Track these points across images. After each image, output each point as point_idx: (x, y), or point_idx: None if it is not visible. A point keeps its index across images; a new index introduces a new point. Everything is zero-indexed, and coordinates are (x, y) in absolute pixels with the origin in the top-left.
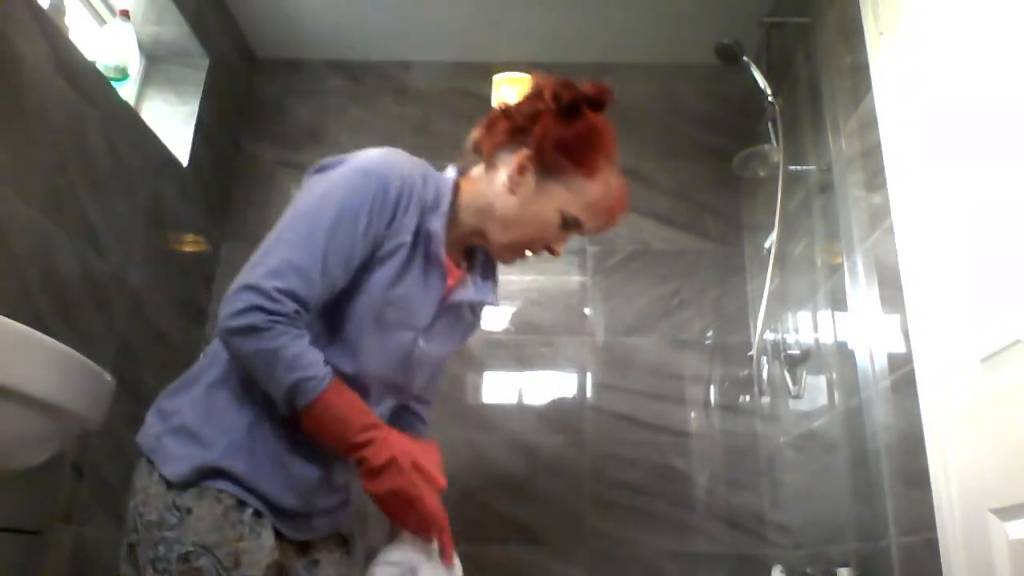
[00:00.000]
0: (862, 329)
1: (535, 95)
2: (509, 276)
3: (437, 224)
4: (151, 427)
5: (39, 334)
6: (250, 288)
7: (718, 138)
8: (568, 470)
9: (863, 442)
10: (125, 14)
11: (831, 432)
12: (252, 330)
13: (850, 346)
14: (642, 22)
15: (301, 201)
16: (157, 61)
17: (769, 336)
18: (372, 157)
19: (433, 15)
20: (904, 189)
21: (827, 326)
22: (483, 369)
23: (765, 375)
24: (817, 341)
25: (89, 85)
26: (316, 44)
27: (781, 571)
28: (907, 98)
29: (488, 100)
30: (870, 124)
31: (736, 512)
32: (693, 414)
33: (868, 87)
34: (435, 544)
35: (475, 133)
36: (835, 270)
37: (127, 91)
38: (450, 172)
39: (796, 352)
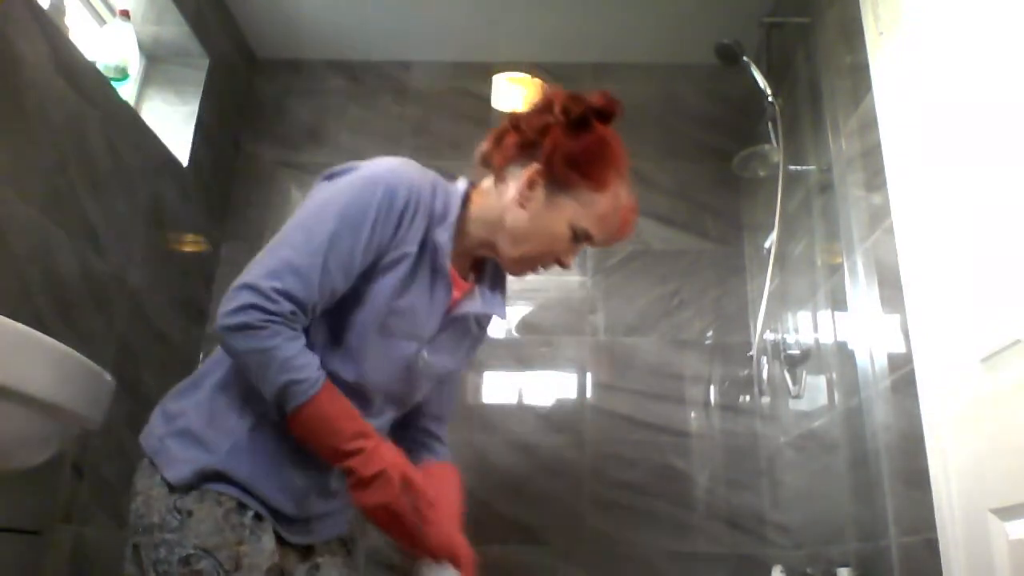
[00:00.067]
0: (862, 329)
1: (544, 108)
2: (508, 276)
3: (444, 236)
4: (155, 428)
5: (39, 334)
6: (248, 287)
7: (718, 138)
8: (568, 470)
9: (863, 442)
10: (125, 14)
11: (831, 432)
12: (247, 328)
13: (850, 346)
14: (642, 22)
15: (307, 206)
16: (157, 61)
17: (769, 336)
18: (381, 166)
19: (433, 15)
20: (904, 189)
21: (827, 326)
22: (483, 369)
23: (765, 375)
24: (817, 341)
25: (89, 85)
26: (316, 44)
27: (781, 571)
28: (907, 98)
29: (488, 100)
30: (870, 124)
31: (736, 512)
32: (693, 414)
33: (868, 87)
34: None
35: (483, 145)
36: (835, 270)
37: (127, 91)
38: (460, 184)
39: (796, 352)
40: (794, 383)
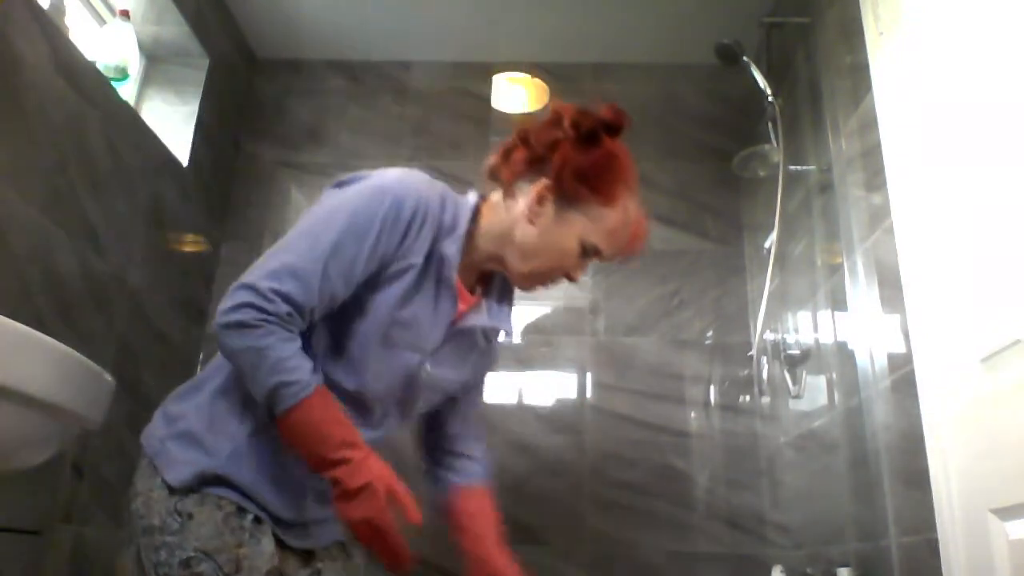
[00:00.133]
0: (862, 329)
1: (553, 123)
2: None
3: (451, 248)
4: (156, 429)
5: (39, 334)
6: (246, 286)
7: (718, 138)
8: (568, 470)
9: (863, 442)
10: (125, 14)
11: (831, 432)
12: (242, 326)
13: (850, 346)
14: (642, 22)
15: (314, 212)
16: (157, 61)
17: (769, 336)
18: (390, 176)
19: (433, 15)
20: (904, 189)
21: (827, 326)
22: None
23: (765, 375)
24: (817, 341)
25: (89, 85)
26: (316, 44)
27: (781, 571)
28: (907, 98)
29: (488, 100)
30: (870, 124)
31: (736, 512)
32: (693, 414)
33: (868, 87)
34: None
35: (492, 159)
36: (835, 270)
37: (127, 91)
38: (471, 197)
39: (796, 352)
40: (794, 383)
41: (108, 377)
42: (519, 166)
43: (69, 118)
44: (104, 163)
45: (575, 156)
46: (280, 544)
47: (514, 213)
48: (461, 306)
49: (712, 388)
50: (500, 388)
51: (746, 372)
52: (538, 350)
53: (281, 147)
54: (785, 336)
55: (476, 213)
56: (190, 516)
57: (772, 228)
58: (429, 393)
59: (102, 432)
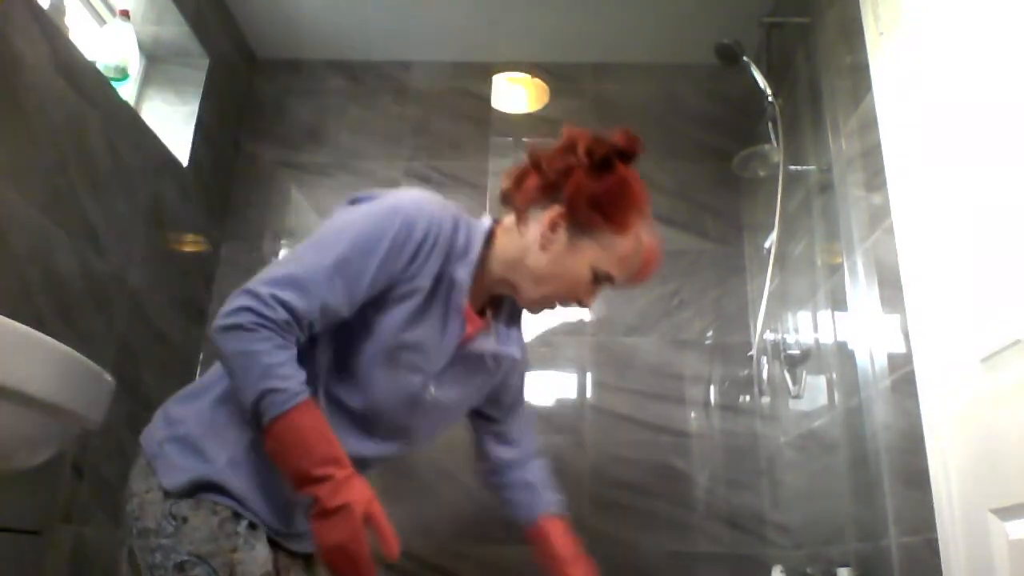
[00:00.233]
0: (862, 329)
1: (567, 149)
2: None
3: (463, 273)
4: (155, 430)
5: (39, 334)
6: (247, 292)
7: (718, 138)
8: (568, 470)
9: (863, 442)
10: (125, 14)
11: (831, 432)
12: (237, 328)
13: (850, 346)
14: (642, 22)
15: (325, 226)
16: (157, 61)
17: (769, 336)
18: (404, 197)
19: (433, 15)
20: (904, 189)
21: (827, 326)
22: None
23: (765, 375)
24: (817, 341)
25: (89, 85)
26: (316, 44)
27: (781, 571)
28: (907, 98)
29: (488, 100)
30: (870, 124)
31: (736, 512)
32: (693, 414)
33: (868, 87)
34: None
35: (504, 183)
36: (835, 270)
37: (127, 91)
38: (485, 221)
39: (796, 352)
40: (794, 383)
41: (108, 377)
42: (532, 193)
43: (69, 118)
44: (104, 163)
45: (588, 184)
46: (283, 549)
47: (526, 239)
48: (469, 329)
49: (712, 388)
50: None
51: (746, 372)
52: (538, 350)
53: (281, 147)
54: (785, 336)
55: (490, 237)
56: (185, 520)
57: (772, 228)
58: (435, 415)
59: (102, 432)
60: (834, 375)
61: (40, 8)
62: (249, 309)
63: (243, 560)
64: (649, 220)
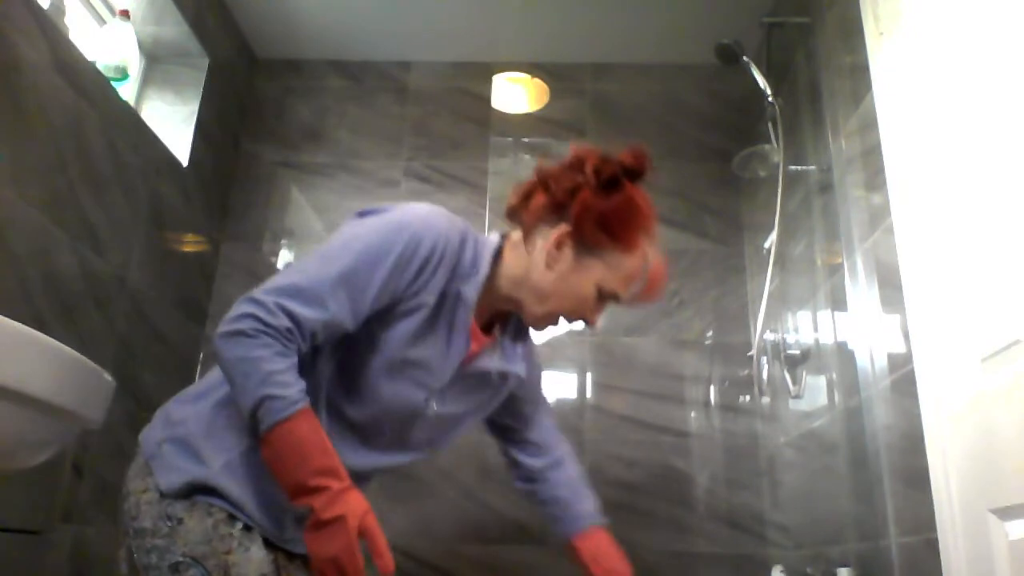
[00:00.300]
0: (862, 329)
1: (575, 167)
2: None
3: (471, 291)
4: (155, 430)
5: (39, 334)
6: (250, 299)
7: (718, 138)
8: None
9: (863, 442)
10: (125, 14)
11: (831, 432)
12: (239, 334)
13: (850, 346)
14: (642, 22)
15: (332, 239)
16: (157, 61)
17: (769, 336)
18: (412, 212)
19: (433, 15)
20: (904, 189)
21: (827, 326)
22: None
23: (765, 375)
24: (817, 341)
25: (89, 85)
26: (316, 44)
27: (781, 571)
28: (907, 98)
29: (488, 100)
30: (870, 124)
31: (736, 512)
32: (693, 414)
33: (868, 87)
34: None
35: (511, 199)
36: (835, 270)
37: (127, 91)
38: (494, 238)
39: (796, 352)
40: (794, 383)
41: (108, 377)
42: (539, 212)
43: (69, 118)
44: (104, 163)
45: (595, 203)
46: (282, 550)
47: (532, 256)
48: (474, 346)
49: (712, 388)
50: None
51: (746, 372)
52: (538, 350)
53: (281, 147)
54: (785, 336)
55: (498, 254)
56: (180, 521)
57: (772, 228)
58: (437, 430)
59: (102, 432)
60: (834, 375)
61: (40, 8)
62: (252, 316)
63: (237, 562)
64: (655, 239)
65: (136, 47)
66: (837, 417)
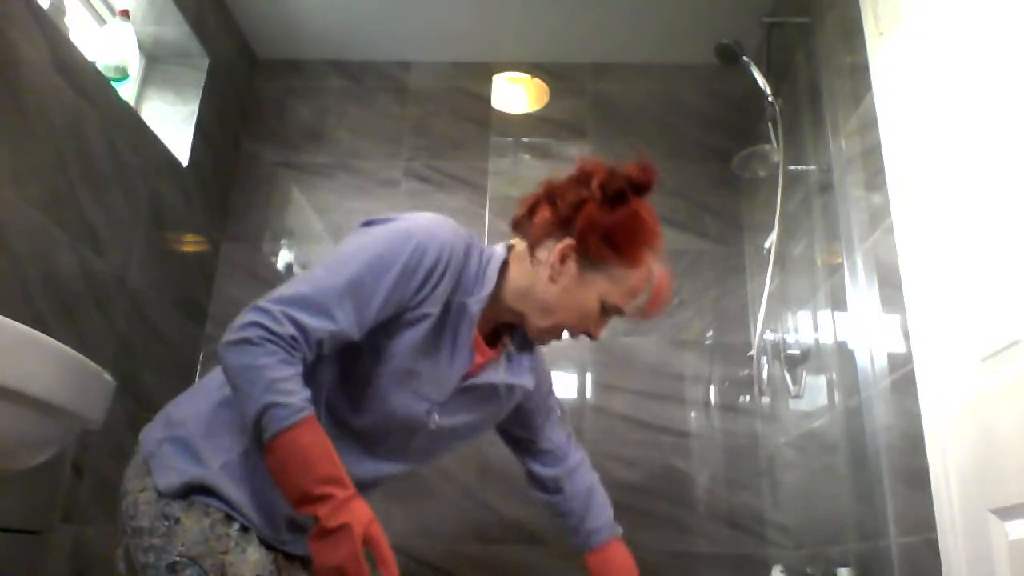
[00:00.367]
0: (862, 329)
1: (581, 181)
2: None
3: (476, 305)
4: (155, 430)
5: (39, 334)
6: (256, 308)
7: (718, 138)
8: None
9: (863, 442)
10: (125, 14)
11: (831, 432)
12: (244, 342)
13: (850, 346)
14: (642, 22)
15: (338, 249)
16: (157, 61)
17: (769, 336)
18: (417, 221)
19: (433, 15)
20: (904, 189)
21: (827, 326)
22: None
23: (765, 375)
24: (817, 341)
25: (89, 85)
26: (316, 44)
27: (781, 571)
28: (907, 98)
29: (488, 100)
30: (870, 124)
31: (736, 512)
32: (693, 414)
33: (868, 87)
34: None
35: (517, 211)
36: (835, 270)
37: (127, 91)
38: (500, 250)
39: (796, 352)
40: (794, 383)
41: (108, 377)
42: (544, 226)
43: (69, 118)
44: (104, 163)
45: (600, 217)
46: (280, 551)
47: (536, 269)
48: (478, 359)
49: (712, 388)
50: None
51: (746, 372)
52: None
53: (281, 147)
54: (785, 336)
55: (504, 266)
56: (177, 521)
57: (772, 228)
58: (439, 441)
59: (102, 432)
60: (834, 375)
61: (40, 8)
62: (257, 324)
63: (234, 562)
64: (660, 252)
65: (136, 47)
66: (837, 417)
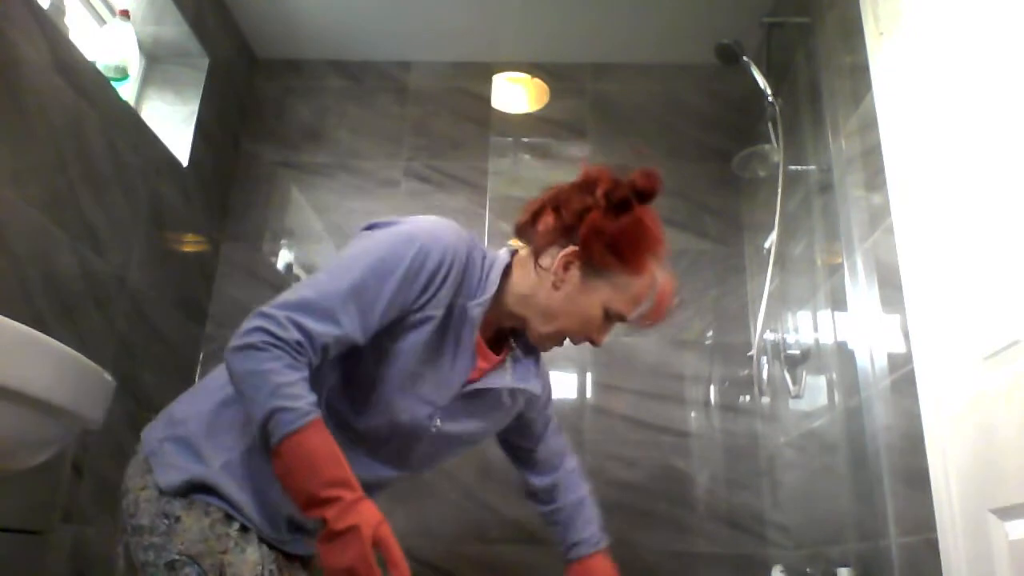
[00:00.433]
0: (862, 329)
1: (586, 189)
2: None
3: (477, 309)
4: (157, 428)
5: (39, 334)
6: (260, 314)
7: (718, 138)
8: None
9: (863, 442)
10: (125, 14)
11: (831, 432)
12: (249, 348)
13: (850, 346)
14: (642, 22)
15: (342, 254)
16: (157, 61)
17: (769, 336)
18: (420, 225)
19: (433, 15)
20: (904, 189)
21: (827, 326)
22: None
23: (765, 375)
24: (817, 341)
25: (89, 85)
26: (316, 44)
27: (781, 571)
28: (907, 98)
29: (488, 100)
30: (870, 124)
31: (736, 512)
32: (693, 414)
33: (868, 87)
34: None
35: (521, 216)
36: (835, 270)
37: (127, 91)
38: (503, 254)
39: (796, 352)
40: (794, 383)
41: (108, 377)
42: (548, 233)
43: (69, 118)
44: (104, 163)
45: (604, 225)
46: (280, 551)
47: (540, 276)
48: (483, 364)
49: (712, 388)
50: None
51: (746, 372)
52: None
53: (281, 147)
54: (785, 336)
55: (507, 271)
56: (177, 519)
57: (772, 228)
58: (441, 446)
59: (102, 432)
60: (834, 375)
61: (40, 8)
62: (262, 329)
63: (233, 562)
64: (664, 261)
65: (136, 47)
66: (837, 417)
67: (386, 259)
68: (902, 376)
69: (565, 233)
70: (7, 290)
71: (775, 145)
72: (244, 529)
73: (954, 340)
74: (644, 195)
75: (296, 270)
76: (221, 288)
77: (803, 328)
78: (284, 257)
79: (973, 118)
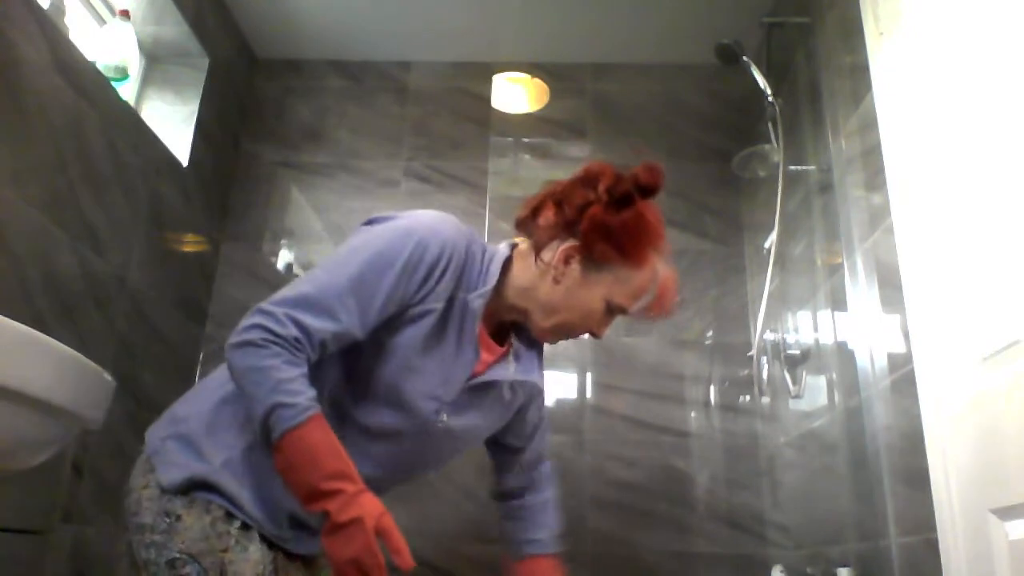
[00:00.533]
0: (862, 329)
1: (588, 184)
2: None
3: (478, 301)
4: (160, 428)
5: (39, 334)
6: (260, 310)
7: (718, 138)
8: (568, 470)
9: (863, 442)
10: (125, 14)
11: (831, 432)
12: (249, 345)
13: (850, 346)
14: (642, 22)
15: (340, 249)
16: (157, 61)
17: (769, 336)
18: (419, 219)
19: (433, 15)
20: (904, 189)
21: (827, 326)
22: None
23: (765, 375)
24: (817, 341)
25: (89, 85)
26: (316, 44)
27: (781, 571)
28: (907, 98)
29: (488, 100)
30: (870, 124)
31: (736, 512)
32: (693, 414)
33: (868, 87)
34: None
35: (521, 211)
36: (835, 270)
37: (127, 91)
38: (503, 247)
39: (796, 352)
40: (794, 383)
41: (108, 377)
42: (549, 227)
43: (69, 118)
44: (104, 163)
45: (604, 218)
46: (281, 549)
47: (541, 269)
48: (487, 357)
49: (712, 388)
50: None
51: (746, 372)
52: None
53: (281, 147)
54: (785, 336)
55: (507, 263)
56: (178, 517)
57: (772, 228)
58: (447, 442)
59: (102, 432)
60: (834, 375)
61: (40, 8)
62: (260, 326)
63: (234, 560)
64: (665, 253)
65: (136, 47)
66: (837, 417)
67: (384, 253)
68: (902, 376)
69: (566, 227)
70: (7, 290)
71: (775, 145)
72: (245, 527)
73: (954, 340)
74: (647, 190)
75: (296, 270)
76: (221, 288)
77: (803, 328)
78: (284, 257)
79: (973, 118)
